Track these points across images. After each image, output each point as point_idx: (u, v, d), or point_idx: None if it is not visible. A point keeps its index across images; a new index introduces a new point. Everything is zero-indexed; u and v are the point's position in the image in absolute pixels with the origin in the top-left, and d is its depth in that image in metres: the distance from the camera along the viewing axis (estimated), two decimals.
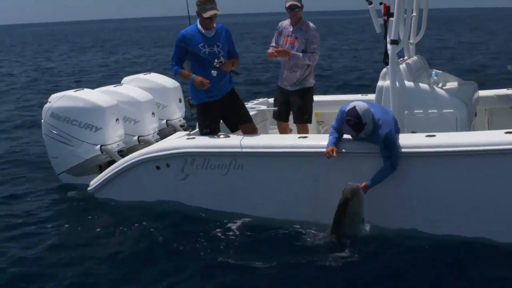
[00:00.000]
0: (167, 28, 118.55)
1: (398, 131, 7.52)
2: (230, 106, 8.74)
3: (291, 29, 9.19)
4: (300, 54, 9.05)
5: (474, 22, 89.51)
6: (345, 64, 32.12)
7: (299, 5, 9.09)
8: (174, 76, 8.75)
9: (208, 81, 8.28)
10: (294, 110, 9.41)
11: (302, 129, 9.36)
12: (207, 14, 8.23)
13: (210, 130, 8.59)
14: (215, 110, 8.65)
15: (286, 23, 9.33)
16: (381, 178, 7.17)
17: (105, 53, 51.61)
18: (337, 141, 7.44)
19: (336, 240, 7.25)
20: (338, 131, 7.46)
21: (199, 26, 8.44)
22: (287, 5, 9.05)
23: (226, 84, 8.68)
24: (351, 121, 7.00)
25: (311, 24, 9.20)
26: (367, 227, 7.31)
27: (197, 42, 8.37)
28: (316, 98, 9.75)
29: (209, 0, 8.26)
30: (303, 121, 9.36)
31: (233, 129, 8.87)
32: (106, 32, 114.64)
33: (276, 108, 9.63)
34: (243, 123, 8.82)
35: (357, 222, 7.17)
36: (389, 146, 7.10)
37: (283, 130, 9.66)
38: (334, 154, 7.26)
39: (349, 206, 7.05)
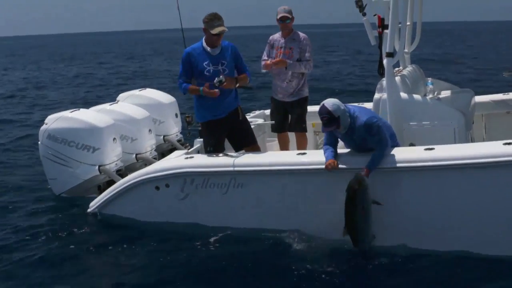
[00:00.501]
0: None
1: (395, 145, 7.57)
2: (236, 125, 8.69)
3: (283, 41, 9.24)
4: (297, 64, 9.11)
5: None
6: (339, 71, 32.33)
7: (290, 16, 9.17)
8: (183, 94, 8.63)
9: (217, 90, 8.17)
10: (293, 119, 9.47)
11: (302, 138, 9.46)
12: (215, 31, 8.19)
13: (214, 148, 8.55)
14: (220, 128, 8.62)
15: (276, 36, 9.39)
16: (378, 160, 7.25)
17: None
18: (334, 154, 7.48)
19: (353, 236, 7.25)
20: (331, 144, 7.56)
21: (204, 44, 8.41)
22: (279, 16, 9.13)
23: (232, 102, 8.61)
24: (324, 118, 7.18)
25: (302, 34, 9.27)
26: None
27: (202, 60, 8.33)
28: (312, 108, 9.75)
29: (216, 17, 8.25)
30: (302, 129, 9.46)
31: (237, 149, 8.81)
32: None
33: (274, 121, 9.64)
34: (248, 145, 8.79)
35: (368, 210, 7.15)
36: (373, 131, 7.22)
37: (284, 141, 9.68)
38: (336, 165, 7.31)
39: (357, 196, 7.07)
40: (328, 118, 7.18)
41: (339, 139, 7.64)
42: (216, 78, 8.16)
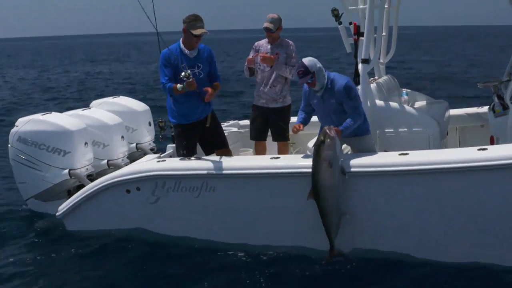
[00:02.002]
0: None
1: (367, 127, 7.77)
2: (208, 129, 8.59)
3: (270, 47, 9.12)
4: (283, 65, 8.98)
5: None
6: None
7: (273, 29, 8.99)
8: (170, 97, 8.41)
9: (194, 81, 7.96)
10: (275, 128, 9.32)
11: (284, 147, 9.33)
12: (197, 32, 8.11)
13: (186, 151, 8.45)
14: (193, 132, 8.53)
15: (262, 42, 9.25)
16: (351, 127, 7.40)
17: None
18: (304, 120, 7.88)
19: (318, 201, 7.17)
20: (305, 111, 7.96)
21: (182, 45, 8.32)
22: (263, 26, 9.00)
23: (206, 107, 8.51)
24: (300, 72, 7.51)
25: (289, 41, 9.17)
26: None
27: (179, 61, 8.20)
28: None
29: (198, 18, 8.18)
30: (285, 139, 9.34)
31: (208, 152, 8.76)
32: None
33: (253, 128, 9.48)
34: (219, 148, 8.74)
35: (335, 168, 7.06)
36: (352, 95, 7.45)
37: (262, 149, 9.49)
38: (301, 128, 7.68)
39: (323, 148, 7.05)
40: (303, 72, 7.47)
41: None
42: (184, 73, 7.90)
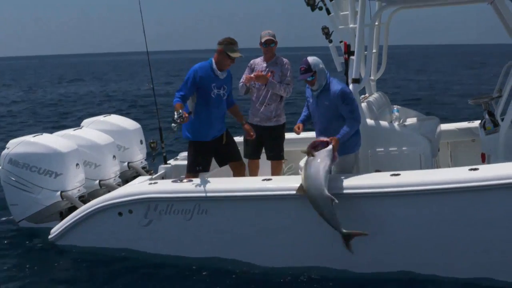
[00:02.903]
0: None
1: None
2: (224, 144, 8.77)
3: (265, 65, 9.10)
4: (277, 84, 8.96)
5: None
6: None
7: (275, 40, 9.04)
8: (190, 114, 8.35)
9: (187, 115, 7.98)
10: (270, 147, 9.33)
11: (278, 166, 9.33)
12: (235, 55, 8.30)
13: (202, 167, 8.59)
14: (210, 149, 8.67)
15: (258, 60, 9.23)
16: (348, 133, 7.50)
17: None
18: (305, 118, 8.10)
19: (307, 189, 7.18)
20: (306, 111, 8.16)
21: (214, 65, 8.41)
22: (263, 40, 8.96)
23: (223, 126, 8.76)
24: (302, 68, 7.66)
25: (284, 59, 9.17)
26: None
27: (210, 81, 8.37)
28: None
29: (235, 42, 8.40)
30: (280, 157, 9.36)
31: (222, 164, 8.97)
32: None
33: (247, 146, 9.43)
34: (233, 161, 8.91)
35: (318, 162, 7.13)
36: (348, 100, 7.55)
37: (255, 168, 9.47)
38: (301, 128, 7.93)
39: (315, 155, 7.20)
40: (305, 69, 7.62)
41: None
42: (176, 114, 7.81)
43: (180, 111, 7.86)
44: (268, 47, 9.01)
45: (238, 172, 8.93)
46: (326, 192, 6.97)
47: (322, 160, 7.12)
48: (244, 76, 9.21)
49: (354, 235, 6.98)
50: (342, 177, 7.41)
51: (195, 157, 8.65)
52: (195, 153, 8.65)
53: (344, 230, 6.98)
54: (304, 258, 7.51)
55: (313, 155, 7.19)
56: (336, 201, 6.93)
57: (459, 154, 10.27)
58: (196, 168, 8.60)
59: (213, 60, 8.42)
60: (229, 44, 8.29)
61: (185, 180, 8.23)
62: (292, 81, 9.10)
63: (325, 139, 7.30)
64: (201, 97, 8.39)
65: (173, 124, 7.82)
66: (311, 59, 7.65)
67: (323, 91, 7.68)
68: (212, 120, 8.51)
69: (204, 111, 8.42)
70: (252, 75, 8.98)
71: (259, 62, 9.20)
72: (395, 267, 7.24)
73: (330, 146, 7.21)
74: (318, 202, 7.02)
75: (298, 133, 7.95)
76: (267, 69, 9.05)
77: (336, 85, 7.62)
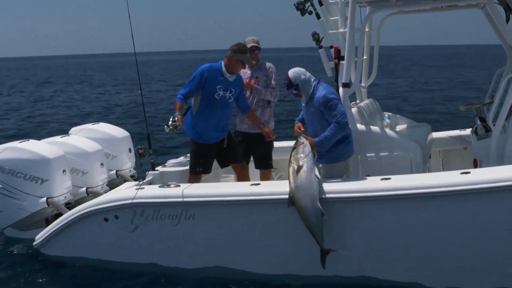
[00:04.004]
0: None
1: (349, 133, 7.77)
2: (226, 146, 8.79)
3: (249, 72, 9.09)
4: (262, 89, 8.96)
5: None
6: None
7: (259, 46, 9.06)
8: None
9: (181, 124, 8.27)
10: (258, 155, 9.26)
11: (267, 174, 9.25)
12: (248, 62, 8.60)
13: (203, 169, 8.63)
14: (212, 151, 8.71)
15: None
16: (328, 138, 7.37)
17: None
18: (302, 119, 8.03)
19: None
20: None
21: (223, 68, 8.47)
22: (248, 46, 8.90)
23: (225, 130, 8.78)
24: (284, 83, 7.75)
25: (268, 63, 9.18)
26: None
27: (217, 82, 8.43)
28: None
29: (247, 48, 8.64)
30: (268, 166, 9.29)
31: (223, 165, 9.03)
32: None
33: None
34: (235, 162, 8.91)
35: (308, 169, 7.03)
36: (330, 106, 7.42)
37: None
38: (298, 130, 7.84)
39: (295, 153, 7.17)
40: (288, 84, 7.69)
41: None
42: (172, 120, 8.12)
43: (176, 118, 8.09)
44: (253, 53, 8.97)
45: (241, 174, 8.93)
46: (318, 204, 6.91)
47: (309, 169, 7.02)
48: None
49: (329, 252, 6.98)
50: (332, 182, 7.31)
51: (196, 159, 8.69)
52: (196, 154, 8.69)
53: (325, 247, 6.93)
54: (294, 263, 7.41)
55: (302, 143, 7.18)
56: (326, 216, 6.89)
57: (451, 162, 10.21)
58: (196, 169, 8.64)
59: (223, 63, 8.52)
60: (243, 49, 8.48)
61: (172, 186, 8.10)
62: (277, 84, 9.10)
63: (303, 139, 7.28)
64: (205, 97, 8.48)
65: (165, 127, 8.09)
66: (291, 72, 7.69)
67: (310, 98, 7.65)
68: (213, 121, 8.54)
69: (206, 111, 8.50)
70: None
71: (244, 70, 9.13)
72: (385, 271, 7.13)
73: (310, 151, 7.14)
74: (308, 214, 6.93)
75: (299, 133, 7.75)
76: (252, 75, 9.07)
77: (319, 92, 7.56)
